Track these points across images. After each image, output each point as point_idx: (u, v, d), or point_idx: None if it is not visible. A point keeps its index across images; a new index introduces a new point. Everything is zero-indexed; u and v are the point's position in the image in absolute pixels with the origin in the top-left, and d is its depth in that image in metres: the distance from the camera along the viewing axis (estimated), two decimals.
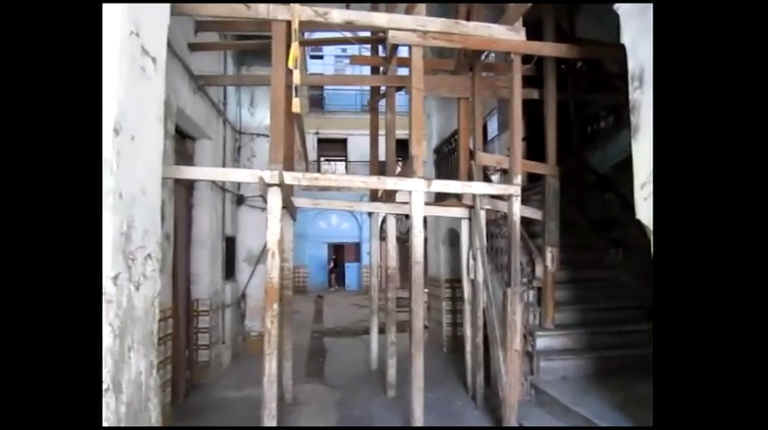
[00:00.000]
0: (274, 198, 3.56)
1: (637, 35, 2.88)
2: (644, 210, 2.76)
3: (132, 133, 2.16)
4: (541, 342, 4.46)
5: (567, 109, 6.65)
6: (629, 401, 3.65)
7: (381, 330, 5.76)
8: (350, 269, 19.16)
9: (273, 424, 3.44)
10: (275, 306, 3.54)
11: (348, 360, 6.86)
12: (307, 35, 8.64)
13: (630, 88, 2.92)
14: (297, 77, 4.12)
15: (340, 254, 19.47)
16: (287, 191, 4.15)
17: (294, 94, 4.18)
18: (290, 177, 3.67)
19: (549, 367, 4.35)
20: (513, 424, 3.81)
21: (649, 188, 2.74)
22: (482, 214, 4.69)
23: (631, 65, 2.93)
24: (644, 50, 2.82)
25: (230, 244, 6.69)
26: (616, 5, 3.07)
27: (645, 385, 2.86)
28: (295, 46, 3.98)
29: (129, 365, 2.12)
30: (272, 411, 3.45)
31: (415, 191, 3.81)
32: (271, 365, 3.48)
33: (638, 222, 2.82)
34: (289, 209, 4.86)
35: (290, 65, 3.99)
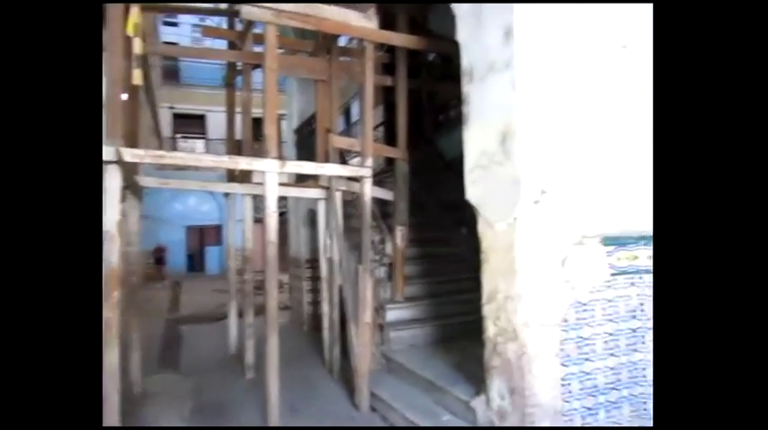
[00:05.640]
0: (112, 177, 3.28)
1: (469, 35, 3.20)
2: (472, 192, 3.13)
3: None
4: (392, 314, 4.79)
5: (421, 97, 7.08)
6: (465, 361, 4.11)
7: (241, 314, 5.67)
8: (211, 253, 18.24)
9: (116, 420, 3.24)
10: (116, 294, 3.30)
11: (206, 346, 6.63)
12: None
13: (463, 81, 3.25)
14: (138, 46, 3.81)
15: (199, 237, 18.43)
16: (129, 169, 3.85)
17: (135, 64, 3.86)
18: (130, 154, 3.41)
19: (399, 337, 4.71)
20: (365, 390, 4.07)
21: (476, 173, 3.10)
22: (338, 195, 4.85)
23: (464, 61, 3.25)
24: (474, 50, 3.14)
25: None
26: (453, 5, 3.36)
27: (478, 346, 3.22)
28: (135, 11, 3.67)
29: None
30: (114, 405, 3.24)
31: (269, 171, 3.80)
32: (111, 357, 3.25)
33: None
34: (133, 189, 4.51)
35: (130, 32, 3.68)
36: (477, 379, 3.51)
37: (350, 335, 4.41)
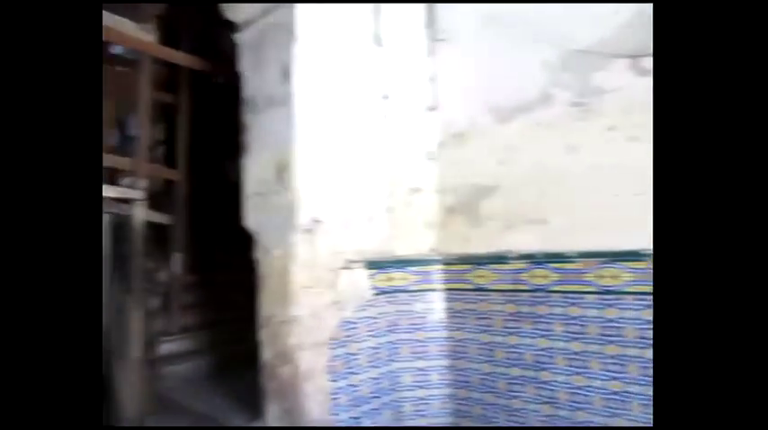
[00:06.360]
0: None
1: (251, 67, 3.30)
2: (250, 219, 3.21)
3: None
4: (166, 347, 4.45)
5: (207, 119, 6.87)
6: (244, 388, 4.05)
7: None
8: None
9: None
10: None
11: None
12: None
13: (245, 110, 3.33)
14: None
15: None
16: None
17: None
18: None
19: (174, 371, 4.39)
20: None
21: (255, 201, 3.19)
22: (105, 218, 4.35)
23: (246, 91, 3.33)
24: (255, 81, 3.25)
25: None
26: (237, 35, 3.44)
27: (257, 372, 3.24)
28: None
29: None
30: None
31: None
32: None
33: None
34: None
35: None
36: (254, 405, 3.52)
37: (115, 375, 3.95)
